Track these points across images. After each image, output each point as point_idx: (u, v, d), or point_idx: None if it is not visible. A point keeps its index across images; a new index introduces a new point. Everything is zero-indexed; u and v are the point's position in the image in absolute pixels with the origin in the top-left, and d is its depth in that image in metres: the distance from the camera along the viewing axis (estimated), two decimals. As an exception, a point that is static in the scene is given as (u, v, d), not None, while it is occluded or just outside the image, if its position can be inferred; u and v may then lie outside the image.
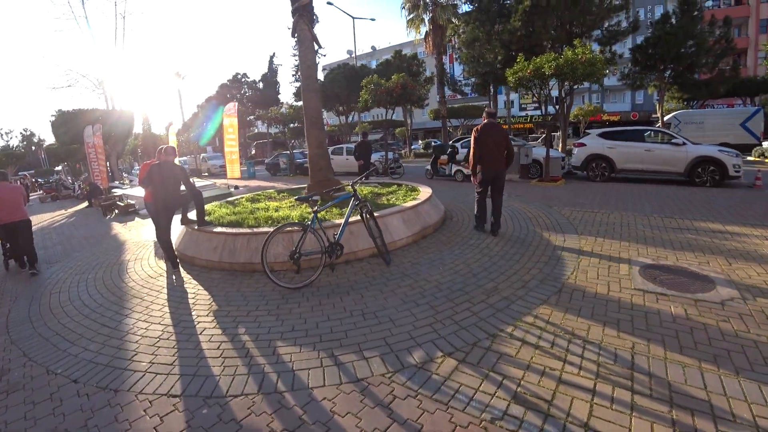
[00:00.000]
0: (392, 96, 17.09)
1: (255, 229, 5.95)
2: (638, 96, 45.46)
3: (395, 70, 28.94)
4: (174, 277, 5.92)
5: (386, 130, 21.69)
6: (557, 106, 18.15)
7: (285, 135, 29.22)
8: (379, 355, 3.43)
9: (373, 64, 41.28)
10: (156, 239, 7.69)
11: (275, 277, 4.90)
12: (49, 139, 41.91)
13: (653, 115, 41.68)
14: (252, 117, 40.56)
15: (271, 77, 45.80)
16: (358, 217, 5.61)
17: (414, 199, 7.34)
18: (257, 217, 6.59)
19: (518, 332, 3.64)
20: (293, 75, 41.81)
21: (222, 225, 6.48)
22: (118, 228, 11.04)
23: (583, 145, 13.28)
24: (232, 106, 16.15)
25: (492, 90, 27.59)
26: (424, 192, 7.90)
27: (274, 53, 57.73)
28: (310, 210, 6.96)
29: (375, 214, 5.82)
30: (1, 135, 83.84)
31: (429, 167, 16.08)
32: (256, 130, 48.83)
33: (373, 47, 56.83)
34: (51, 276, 6.90)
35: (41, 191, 26.42)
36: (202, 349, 3.76)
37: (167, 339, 4.03)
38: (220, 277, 5.63)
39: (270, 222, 6.30)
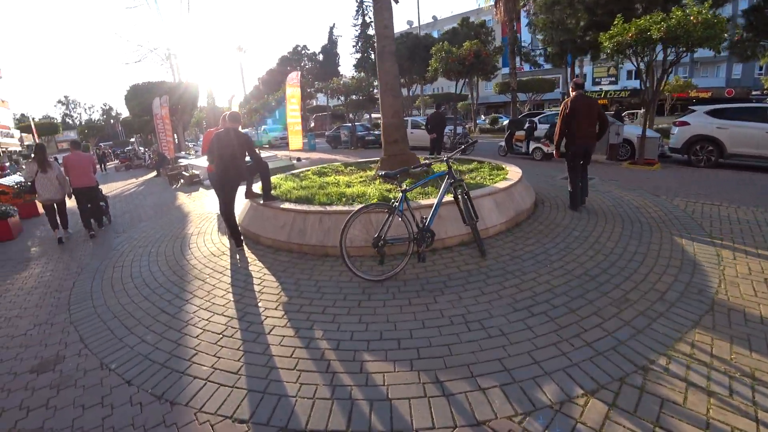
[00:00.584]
0: (464, 65, 15.71)
1: (327, 207, 5.22)
2: (735, 69, 40.17)
3: (463, 39, 27.09)
4: (238, 257, 5.36)
5: (448, 103, 20.36)
6: (647, 79, 15.91)
7: (344, 108, 28.59)
8: (498, 385, 2.57)
9: (435, 35, 39.30)
10: (219, 213, 7.27)
11: (352, 264, 4.13)
12: (125, 112, 44.33)
13: (753, 92, 36.69)
14: (311, 89, 40.32)
15: (330, 49, 45.11)
16: (446, 198, 4.70)
17: (504, 179, 6.29)
18: (328, 193, 5.86)
19: (676, 367, 2.64)
20: (354, 46, 40.91)
21: (289, 201, 5.83)
22: (182, 198, 10.89)
23: (685, 124, 11.33)
24: (294, 76, 15.59)
25: (570, 60, 25.14)
26: (513, 171, 6.82)
27: (334, 24, 57.02)
28: (388, 188, 6.17)
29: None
30: (85, 110, 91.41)
31: (503, 143, 14.73)
32: (315, 103, 48.73)
33: (434, 17, 54.31)
34: (116, 247, 6.65)
35: (117, 161, 27.81)
36: (272, 355, 3.08)
37: (231, 337, 3.40)
38: (288, 260, 4.99)
39: (344, 199, 5.55)
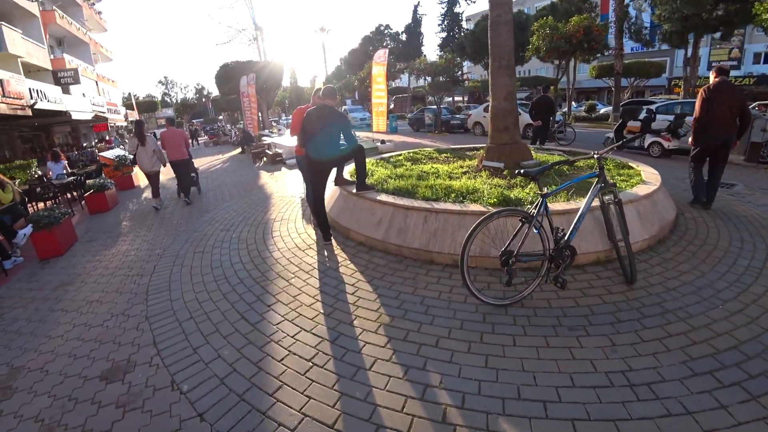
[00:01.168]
0: (570, 43, 13.91)
1: (435, 204, 4.32)
2: None
3: (562, 15, 24.62)
4: (326, 254, 4.69)
5: (535, 87, 18.43)
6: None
7: (425, 89, 27.42)
8: None
9: (528, 12, 36.37)
10: (305, 198, 6.71)
11: (472, 283, 3.24)
12: (215, 91, 46.81)
13: None
14: (393, 70, 39.43)
15: (414, 28, 43.69)
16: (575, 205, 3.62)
17: (642, 182, 5.00)
18: (431, 186, 4.97)
19: None
20: (439, 25, 39.22)
21: (386, 192, 5.02)
22: (265, 177, 10.63)
23: None
24: (382, 54, 14.77)
25: (692, 39, 21.75)
26: (647, 172, 5.48)
27: (418, 2, 55.05)
28: (499, 182, 5.16)
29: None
30: (181, 89, 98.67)
31: (610, 135, 12.86)
32: (397, 84, 47.82)
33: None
34: (199, 228, 6.33)
35: (206, 137, 29.26)
36: (377, 406, 2.31)
37: (323, 368, 2.68)
38: (385, 264, 4.21)
39: (452, 195, 4.62)
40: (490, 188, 4.72)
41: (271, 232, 5.68)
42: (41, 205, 9.10)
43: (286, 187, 8.83)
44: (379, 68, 14.75)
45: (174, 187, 9.73)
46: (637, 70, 32.64)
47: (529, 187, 4.71)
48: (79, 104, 22.39)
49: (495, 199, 4.19)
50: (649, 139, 11.47)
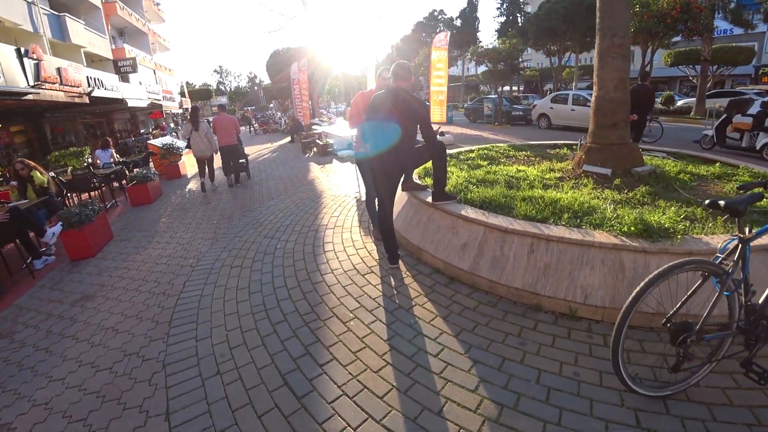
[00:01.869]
0: (665, 23, 11.99)
1: (544, 228, 3.13)
2: None
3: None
4: (393, 284, 3.64)
5: (639, 75, 16.26)
6: None
7: (479, 78, 25.65)
8: None
9: None
10: (362, 200, 5.73)
11: (625, 367, 2.10)
12: (266, 79, 47.05)
13: None
14: (451, 56, 37.61)
15: (469, 13, 41.56)
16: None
17: None
18: (530, 199, 3.77)
19: None
20: (498, 8, 37.00)
21: (471, 204, 3.88)
22: (315, 170, 9.78)
23: None
24: (442, 37, 13.51)
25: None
26: None
27: None
28: (617, 197, 3.89)
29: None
30: (234, 77, 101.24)
31: (710, 132, 10.93)
32: (451, 72, 45.97)
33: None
34: (240, 233, 5.50)
35: (256, 124, 29.16)
36: None
37: None
38: (476, 308, 3.11)
39: (565, 215, 3.39)
40: (611, 205, 3.48)
41: (323, 245, 4.72)
42: (84, 196, 8.74)
43: (338, 184, 7.90)
44: (439, 53, 13.50)
45: (222, 177, 9.61)
46: (722, 56, 29.06)
47: (673, 209, 3.41)
48: (135, 92, 22.72)
49: (633, 227, 2.93)
50: (763, 139, 9.56)
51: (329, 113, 29.49)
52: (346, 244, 4.64)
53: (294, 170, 10.20)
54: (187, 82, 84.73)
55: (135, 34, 31.92)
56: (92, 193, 8.74)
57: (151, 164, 12.16)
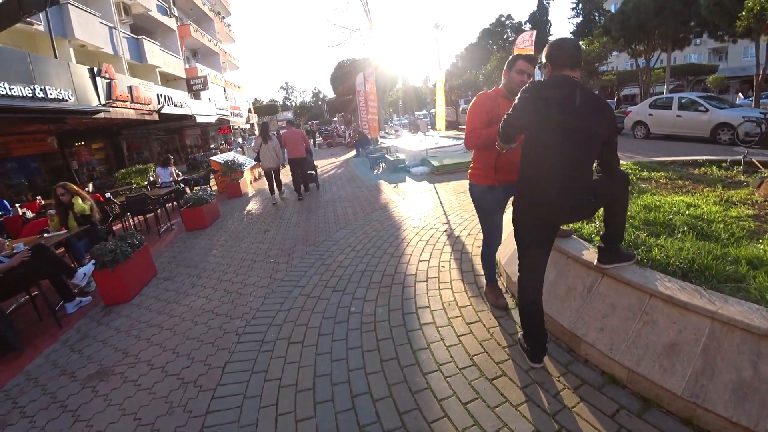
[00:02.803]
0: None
1: None
2: None
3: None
4: (546, 404, 2.17)
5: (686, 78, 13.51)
6: None
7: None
8: None
9: None
10: (481, 254, 4.30)
11: None
12: (330, 94, 47.30)
13: None
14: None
15: (540, 16, 39.08)
16: None
17: None
18: (759, 260, 2.17)
19: None
20: (573, 8, 34.26)
21: (666, 271, 2.30)
22: (387, 191, 8.51)
23: None
24: (527, 37, 11.83)
25: None
26: None
27: None
28: None
29: None
30: (299, 93, 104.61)
31: None
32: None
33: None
34: (299, 281, 4.26)
35: (321, 138, 28.84)
36: None
37: None
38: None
39: None
40: None
41: (416, 312, 3.30)
42: (140, 218, 8.10)
43: (418, 210, 6.53)
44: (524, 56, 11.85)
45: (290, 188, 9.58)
46: None
47: None
48: (204, 108, 23.07)
49: None
50: None
51: (394, 126, 28.48)
52: (451, 313, 3.20)
53: (363, 190, 9.00)
54: (255, 99, 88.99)
55: (207, 54, 33.14)
56: (148, 216, 8.08)
57: (213, 182, 11.59)
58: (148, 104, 14.60)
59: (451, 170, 9.95)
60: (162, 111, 15.66)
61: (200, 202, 7.15)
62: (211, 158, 11.59)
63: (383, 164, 12.16)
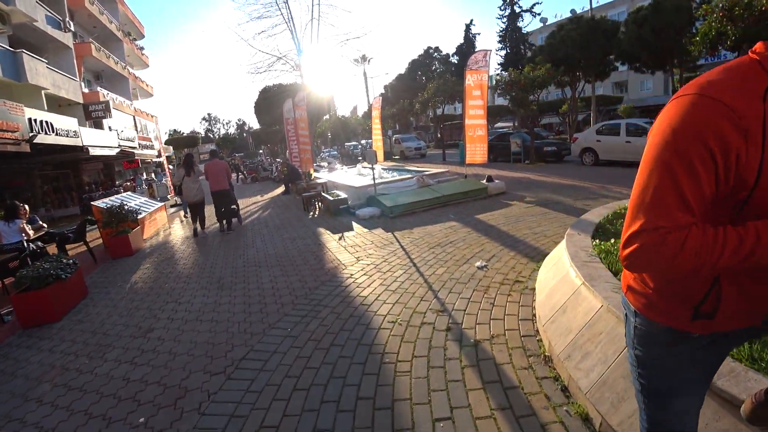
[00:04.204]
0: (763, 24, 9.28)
1: None
2: None
3: (669, 17, 20.05)
4: None
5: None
6: None
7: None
8: None
9: (614, 17, 31.40)
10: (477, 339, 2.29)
11: None
12: (255, 125, 44.40)
13: None
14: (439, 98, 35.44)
15: (467, 49, 39.90)
16: None
17: None
18: None
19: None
20: (499, 42, 35.24)
21: None
22: (331, 246, 6.41)
23: None
24: (480, 57, 10.62)
25: None
26: None
27: (471, 20, 50.63)
28: None
29: None
30: (223, 125, 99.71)
31: None
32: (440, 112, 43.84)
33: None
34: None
35: (245, 172, 26.03)
36: None
37: None
38: None
39: None
40: None
41: None
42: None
43: (386, 282, 4.52)
44: (476, 77, 10.58)
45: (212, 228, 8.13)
46: None
47: None
48: (101, 138, 19.56)
49: None
50: None
51: (327, 158, 26.53)
52: None
53: (298, 244, 6.81)
54: (174, 130, 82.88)
55: (114, 77, 29.42)
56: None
57: (96, 235, 8.76)
58: (14, 131, 11.37)
59: (408, 211, 8.10)
60: (35, 141, 12.39)
61: (43, 282, 4.56)
62: (93, 203, 8.75)
63: (319, 204, 10.08)
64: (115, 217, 7.77)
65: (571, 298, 2.95)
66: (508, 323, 3.29)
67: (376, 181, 9.19)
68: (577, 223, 4.32)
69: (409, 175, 10.67)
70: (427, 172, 11.01)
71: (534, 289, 3.88)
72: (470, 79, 10.68)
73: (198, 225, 8.78)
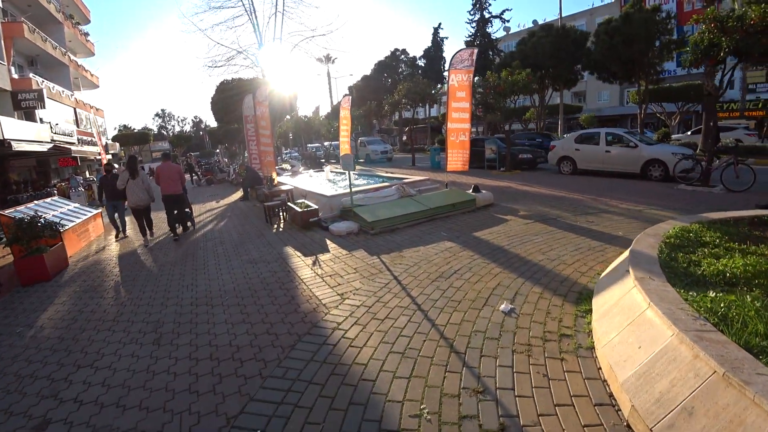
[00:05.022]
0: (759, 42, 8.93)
1: None
2: None
3: (636, 28, 20.21)
4: None
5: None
6: None
7: (439, 119, 22.31)
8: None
9: (583, 27, 31.76)
10: None
11: None
12: (213, 122, 41.79)
13: None
14: (406, 101, 34.75)
15: (435, 52, 39.42)
16: None
17: None
18: None
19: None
20: (468, 46, 34.91)
21: None
22: (304, 273, 5.17)
23: None
24: (466, 56, 9.70)
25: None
26: None
27: (439, 24, 49.83)
28: None
29: None
30: (178, 122, 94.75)
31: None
32: (405, 115, 43.18)
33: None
34: None
35: (200, 173, 23.99)
36: None
37: None
38: None
39: None
40: None
41: None
42: None
43: (393, 331, 3.39)
44: (461, 76, 9.65)
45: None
46: (689, 93, 28.22)
47: None
48: (28, 131, 17.24)
49: None
50: None
51: (290, 160, 24.93)
52: None
53: (261, 269, 5.50)
54: (124, 126, 77.45)
55: (52, 64, 26.58)
56: None
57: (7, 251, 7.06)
58: None
59: (390, 227, 6.98)
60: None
61: None
62: (2, 212, 7.03)
63: (284, 215, 8.78)
64: (25, 233, 6.16)
65: (701, 394, 1.93)
66: (583, 413, 2.25)
67: (344, 189, 8.04)
68: (635, 259, 3.35)
69: (387, 183, 9.55)
70: (405, 180, 9.95)
71: (591, 348, 2.88)
72: (454, 79, 9.73)
73: (148, 233, 8.27)
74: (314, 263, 5.48)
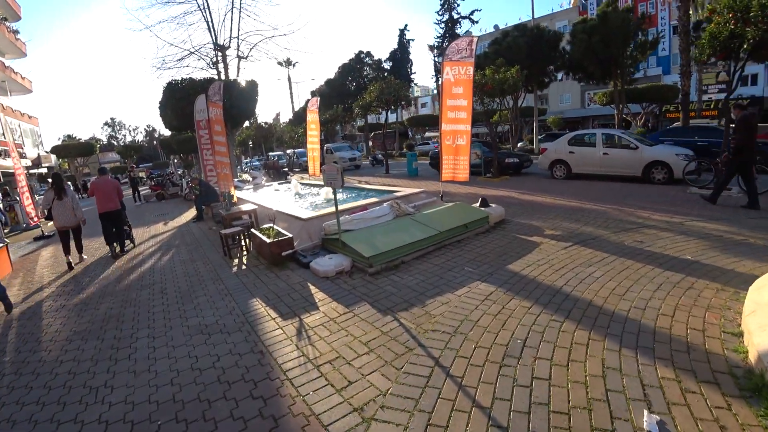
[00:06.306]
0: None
1: None
2: None
3: (613, 28, 19.70)
4: None
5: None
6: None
7: (405, 124, 20.96)
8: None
9: (562, 28, 31.24)
10: None
11: None
12: (165, 131, 38.33)
13: None
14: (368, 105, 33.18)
15: (401, 54, 38.12)
16: None
17: None
18: None
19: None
20: (436, 48, 33.66)
21: None
22: (287, 359, 3.36)
23: None
24: (464, 45, 8.15)
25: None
26: None
27: (405, 25, 48.35)
28: None
29: None
30: (129, 131, 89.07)
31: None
32: (370, 119, 41.53)
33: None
34: None
35: (148, 188, 21.23)
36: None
37: None
38: None
39: None
40: None
41: None
42: None
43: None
44: (458, 69, 8.09)
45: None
46: (654, 94, 28.47)
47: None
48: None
49: None
50: None
51: (250, 171, 22.65)
52: None
53: (218, 350, 3.64)
54: (68, 135, 71.27)
55: (-30, 65, 23.07)
56: None
57: None
58: None
59: (391, 259, 5.24)
60: None
61: None
62: None
63: (247, 244, 6.87)
64: None
65: None
66: None
67: (328, 209, 6.28)
68: None
69: (376, 199, 7.77)
70: (398, 194, 8.22)
71: None
72: (450, 73, 8.17)
73: (75, 253, 7.84)
74: (299, 334, 3.66)
